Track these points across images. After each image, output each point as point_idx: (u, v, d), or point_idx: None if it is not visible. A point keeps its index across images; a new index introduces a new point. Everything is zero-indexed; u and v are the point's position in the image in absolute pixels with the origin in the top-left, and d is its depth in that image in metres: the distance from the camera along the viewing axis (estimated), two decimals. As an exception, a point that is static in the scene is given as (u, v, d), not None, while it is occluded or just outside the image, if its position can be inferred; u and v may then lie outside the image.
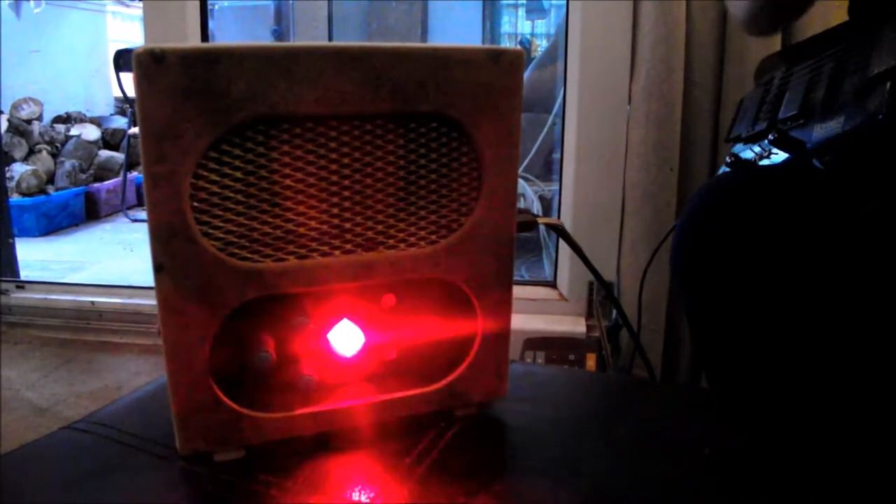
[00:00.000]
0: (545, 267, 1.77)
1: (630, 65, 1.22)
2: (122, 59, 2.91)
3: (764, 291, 0.57)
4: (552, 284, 1.44)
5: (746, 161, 0.68)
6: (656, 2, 1.15)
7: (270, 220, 0.40)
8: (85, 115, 3.76)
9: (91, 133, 3.54)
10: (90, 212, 3.30)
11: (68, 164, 3.29)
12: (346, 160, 0.41)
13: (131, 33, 4.55)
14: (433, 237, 0.44)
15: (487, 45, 0.52)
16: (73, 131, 3.49)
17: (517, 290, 0.48)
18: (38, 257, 2.60)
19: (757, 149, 0.66)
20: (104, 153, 3.55)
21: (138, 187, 3.38)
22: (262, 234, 0.40)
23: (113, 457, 0.43)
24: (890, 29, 0.51)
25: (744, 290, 0.58)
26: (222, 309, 0.40)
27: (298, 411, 0.43)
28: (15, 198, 2.96)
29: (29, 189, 3.08)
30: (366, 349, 0.46)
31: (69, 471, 0.42)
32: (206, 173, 0.38)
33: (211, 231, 0.39)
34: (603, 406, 0.53)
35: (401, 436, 0.46)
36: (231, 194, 0.39)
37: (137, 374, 1.52)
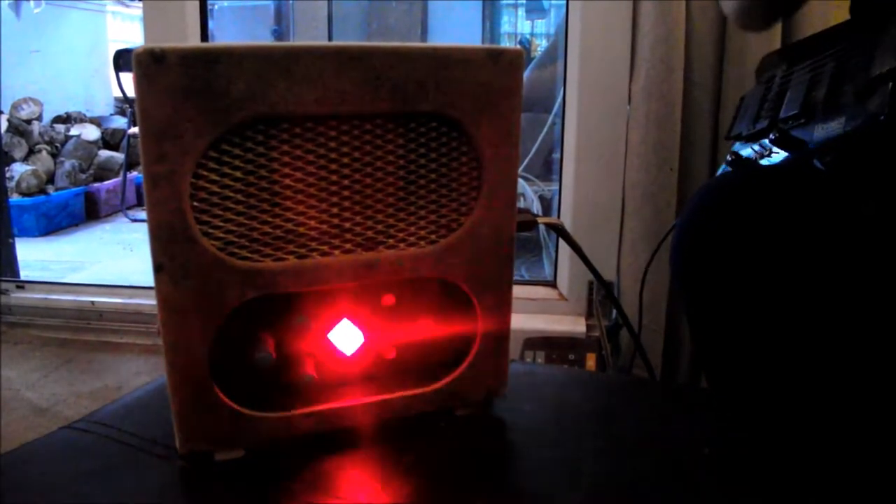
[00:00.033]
0: (545, 267, 1.77)
1: (630, 65, 1.22)
2: (122, 59, 2.91)
3: (764, 291, 0.56)
4: (552, 284, 1.44)
5: (747, 159, 0.68)
6: (656, 2, 1.15)
7: (270, 219, 0.40)
8: (85, 115, 3.76)
9: (91, 133, 3.54)
10: (90, 212, 3.30)
11: (68, 164, 3.29)
12: (345, 160, 0.41)
13: (131, 33, 4.55)
14: (433, 237, 0.44)
15: (487, 45, 0.52)
16: (73, 131, 3.50)
17: (517, 290, 0.48)
18: (38, 257, 2.60)
19: (758, 147, 0.66)
20: (104, 153, 3.55)
21: (138, 187, 3.38)
22: (261, 234, 0.40)
23: (113, 457, 0.43)
24: (892, 29, 0.51)
25: (744, 291, 0.58)
26: (222, 309, 0.40)
27: (298, 411, 0.43)
28: (15, 198, 2.96)
29: (29, 189, 3.08)
30: (365, 349, 0.46)
31: (69, 471, 0.42)
32: (206, 173, 0.38)
33: (211, 231, 0.39)
34: (603, 406, 0.53)
35: (401, 436, 0.46)
36: (231, 194, 0.39)
37: (137, 374, 1.52)
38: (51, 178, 3.26)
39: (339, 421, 0.45)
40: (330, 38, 2.88)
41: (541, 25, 3.45)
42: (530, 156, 2.03)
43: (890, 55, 0.49)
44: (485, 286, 0.46)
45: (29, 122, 3.32)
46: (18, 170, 3.09)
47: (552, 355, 1.28)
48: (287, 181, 0.40)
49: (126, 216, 3.28)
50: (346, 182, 0.41)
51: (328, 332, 0.45)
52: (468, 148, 0.43)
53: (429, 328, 0.47)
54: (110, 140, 3.68)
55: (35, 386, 1.47)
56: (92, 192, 3.32)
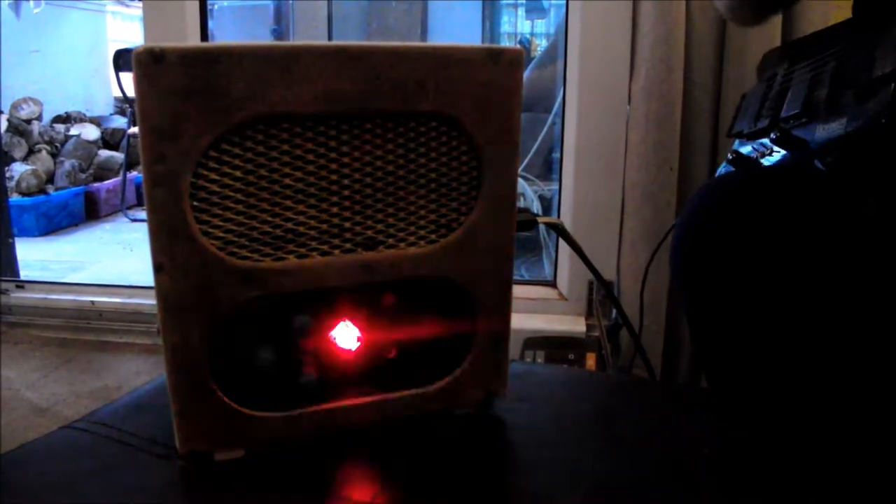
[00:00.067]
0: (545, 266, 1.77)
1: (629, 64, 1.22)
2: (122, 59, 2.92)
3: (764, 292, 0.56)
4: (552, 284, 1.44)
5: (748, 158, 0.67)
6: (656, 2, 1.15)
7: (270, 219, 0.40)
8: (85, 115, 3.76)
9: (91, 133, 3.54)
10: (90, 212, 3.30)
11: (68, 164, 3.29)
12: (345, 159, 0.41)
13: (131, 33, 4.55)
14: (433, 237, 0.44)
15: (487, 45, 0.52)
16: (73, 131, 3.50)
17: (517, 290, 0.48)
18: (37, 257, 2.60)
19: (759, 145, 0.66)
20: (104, 153, 3.55)
21: (138, 187, 3.38)
22: (261, 234, 0.40)
23: (113, 456, 0.43)
24: (894, 30, 0.51)
25: (744, 291, 0.58)
26: (222, 309, 0.40)
27: (298, 411, 0.43)
28: (15, 198, 2.96)
29: (29, 189, 3.08)
30: (366, 349, 0.46)
31: (69, 470, 0.42)
32: (206, 173, 0.38)
33: (211, 230, 0.39)
34: (603, 406, 0.53)
35: (401, 436, 0.46)
36: (231, 194, 0.39)
37: (137, 374, 1.52)
38: (51, 178, 3.26)
39: (339, 420, 0.45)
40: (330, 38, 2.88)
41: (541, 25, 3.45)
42: (530, 156, 2.03)
43: (891, 56, 0.49)
44: (485, 286, 0.46)
45: (29, 121, 3.32)
46: (18, 170, 3.09)
47: (552, 355, 1.27)
48: (287, 181, 0.40)
49: (126, 216, 3.28)
50: (345, 182, 0.41)
51: (328, 331, 0.45)
52: (468, 148, 0.43)
53: (429, 328, 0.47)
54: (110, 140, 3.69)
55: (35, 386, 1.47)
56: (92, 192, 3.32)
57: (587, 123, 1.27)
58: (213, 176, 0.38)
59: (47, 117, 3.56)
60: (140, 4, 1.51)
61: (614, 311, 1.33)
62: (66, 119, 3.62)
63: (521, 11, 3.58)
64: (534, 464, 0.44)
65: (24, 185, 3.06)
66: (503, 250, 0.46)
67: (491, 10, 3.52)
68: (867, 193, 0.54)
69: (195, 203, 0.38)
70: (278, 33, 2.95)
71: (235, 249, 0.40)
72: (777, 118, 0.63)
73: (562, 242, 1.39)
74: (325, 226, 0.41)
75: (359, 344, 0.46)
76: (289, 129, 0.39)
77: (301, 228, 0.41)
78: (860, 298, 0.53)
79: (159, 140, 0.36)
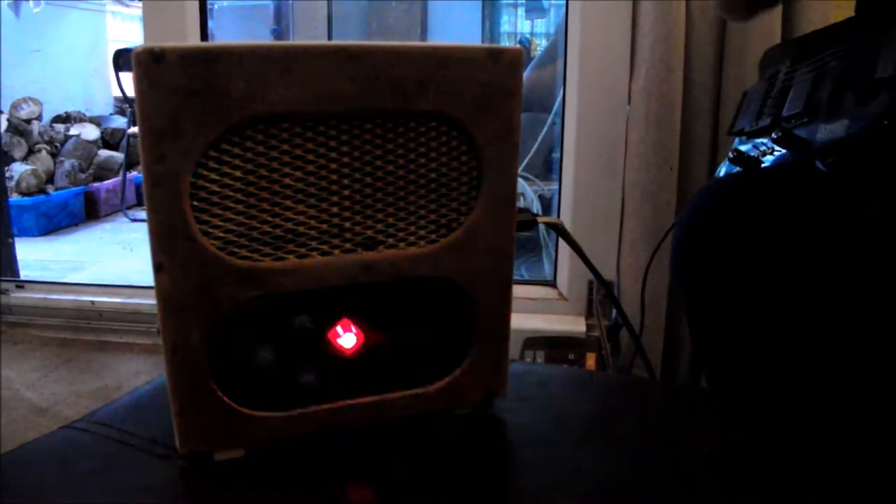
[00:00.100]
0: (545, 266, 1.77)
1: (629, 64, 1.22)
2: (122, 59, 2.92)
3: (764, 292, 0.56)
4: (552, 284, 1.44)
5: (749, 156, 0.67)
6: (655, 1, 1.15)
7: (270, 219, 0.40)
8: (84, 115, 3.76)
9: (90, 133, 3.54)
10: (90, 211, 3.30)
11: (68, 164, 3.29)
12: (345, 159, 0.41)
13: (131, 33, 4.55)
14: (433, 237, 0.44)
15: (487, 44, 0.52)
16: (73, 131, 3.50)
17: (517, 290, 0.48)
18: (37, 257, 2.60)
19: (760, 144, 0.66)
20: (104, 153, 3.55)
21: (138, 187, 3.38)
22: (261, 234, 0.40)
23: (113, 456, 0.43)
24: None
25: (744, 291, 0.58)
26: (222, 308, 0.40)
27: (298, 411, 0.43)
28: (14, 197, 2.96)
29: (28, 189, 3.08)
30: (365, 349, 0.46)
31: (69, 470, 0.42)
32: (206, 173, 0.38)
33: (211, 230, 0.39)
34: (603, 406, 0.53)
35: (401, 436, 0.46)
36: (231, 194, 0.39)
37: (137, 374, 1.52)
38: (50, 178, 3.27)
39: (338, 421, 0.45)
40: (330, 38, 2.88)
41: (541, 25, 3.45)
42: (530, 155, 2.03)
43: (894, 58, 0.49)
44: (485, 286, 0.46)
45: (28, 121, 3.32)
46: (18, 169, 3.09)
47: (552, 355, 1.28)
48: (287, 181, 0.40)
49: (126, 216, 3.28)
50: (345, 182, 0.41)
51: (328, 331, 0.45)
52: (468, 147, 0.43)
53: (429, 328, 0.47)
54: (110, 140, 3.69)
55: (35, 386, 1.47)
56: (92, 192, 3.33)
57: (587, 123, 1.27)
58: (213, 176, 0.38)
59: (47, 117, 3.56)
60: (140, 4, 1.51)
61: (614, 311, 1.33)
62: (66, 119, 3.62)
63: (521, 11, 3.58)
64: (534, 464, 0.44)
65: (23, 184, 3.06)
66: (503, 250, 0.46)
67: (491, 9, 3.52)
68: (868, 195, 0.54)
69: (195, 203, 0.38)
70: (278, 33, 2.95)
71: (235, 249, 0.40)
72: (779, 117, 0.63)
73: (562, 242, 1.39)
74: (325, 226, 0.41)
75: (359, 344, 0.46)
76: (289, 128, 0.39)
77: (301, 228, 0.41)
78: (860, 299, 0.53)
79: (159, 140, 0.36)
